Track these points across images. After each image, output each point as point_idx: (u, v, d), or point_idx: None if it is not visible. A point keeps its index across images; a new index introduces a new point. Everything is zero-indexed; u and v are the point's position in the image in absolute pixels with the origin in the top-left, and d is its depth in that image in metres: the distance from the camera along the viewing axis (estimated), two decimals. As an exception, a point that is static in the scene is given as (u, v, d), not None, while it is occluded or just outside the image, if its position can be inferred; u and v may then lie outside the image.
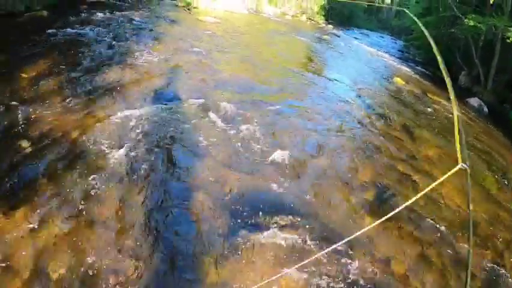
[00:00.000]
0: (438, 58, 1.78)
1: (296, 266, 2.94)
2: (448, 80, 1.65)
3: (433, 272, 3.49)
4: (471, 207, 1.55)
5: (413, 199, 1.47)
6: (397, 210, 1.42)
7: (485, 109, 10.74)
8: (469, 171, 1.29)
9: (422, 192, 1.49)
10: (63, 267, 2.77)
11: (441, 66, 1.74)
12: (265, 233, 3.38)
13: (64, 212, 3.23)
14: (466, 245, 3.78)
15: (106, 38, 7.87)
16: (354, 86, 8.62)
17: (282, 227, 3.51)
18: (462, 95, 11.74)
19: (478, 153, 6.55)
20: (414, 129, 6.70)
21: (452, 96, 1.56)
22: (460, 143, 1.41)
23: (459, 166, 1.29)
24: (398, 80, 10.54)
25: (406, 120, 7.13)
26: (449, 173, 1.33)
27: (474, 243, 3.90)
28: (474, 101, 11.14)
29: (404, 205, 1.45)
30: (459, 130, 1.46)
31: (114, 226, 3.21)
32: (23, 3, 8.79)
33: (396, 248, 3.67)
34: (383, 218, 1.46)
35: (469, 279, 1.41)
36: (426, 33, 2.11)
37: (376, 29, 23.34)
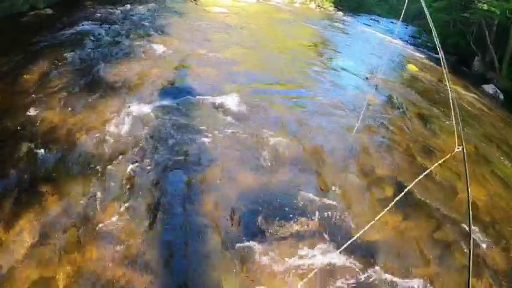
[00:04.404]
0: (437, 44, 1.78)
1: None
2: (443, 62, 1.70)
3: (438, 254, 3.52)
4: (469, 189, 1.58)
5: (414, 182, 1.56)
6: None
7: (501, 96, 10.51)
8: (465, 153, 1.30)
9: (422, 175, 1.57)
10: (67, 279, 2.68)
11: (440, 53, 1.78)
12: (283, 239, 3.28)
13: (67, 221, 3.12)
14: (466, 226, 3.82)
15: (111, 34, 7.79)
16: (366, 74, 8.47)
17: (298, 231, 3.41)
18: (476, 81, 11.48)
19: (492, 141, 6.47)
20: (429, 117, 6.59)
21: (448, 83, 1.61)
22: (457, 127, 1.43)
23: (456, 149, 1.31)
24: (412, 67, 10.35)
25: (421, 109, 7.01)
26: (447, 156, 1.36)
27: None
28: (489, 88, 10.92)
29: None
30: (456, 114, 1.52)
31: (120, 235, 3.08)
32: (28, 2, 8.70)
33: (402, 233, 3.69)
34: (389, 206, 1.70)
35: (471, 262, 1.39)
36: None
37: (387, 14, 22.76)
